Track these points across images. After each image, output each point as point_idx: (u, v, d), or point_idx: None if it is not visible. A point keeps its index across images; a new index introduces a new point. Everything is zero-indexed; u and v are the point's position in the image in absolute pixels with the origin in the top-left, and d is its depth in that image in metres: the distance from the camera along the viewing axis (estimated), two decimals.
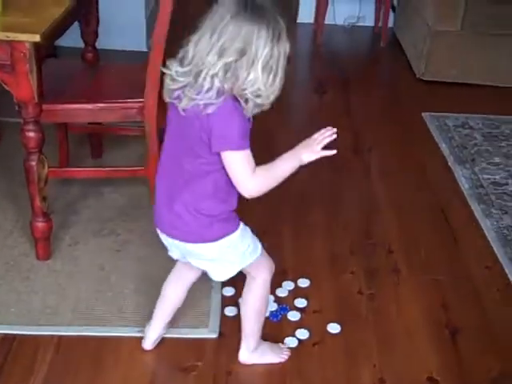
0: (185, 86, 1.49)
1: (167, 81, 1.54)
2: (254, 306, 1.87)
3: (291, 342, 1.99)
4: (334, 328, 2.05)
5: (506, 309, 2.17)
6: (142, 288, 2.16)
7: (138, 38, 3.85)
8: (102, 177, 2.56)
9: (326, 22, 4.52)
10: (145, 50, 3.72)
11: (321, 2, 4.49)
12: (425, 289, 2.24)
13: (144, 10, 3.99)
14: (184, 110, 1.50)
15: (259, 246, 1.81)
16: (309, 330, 2.03)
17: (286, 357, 1.94)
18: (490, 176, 2.91)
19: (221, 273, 1.78)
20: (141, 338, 1.94)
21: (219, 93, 1.46)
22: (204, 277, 2.19)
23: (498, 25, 3.71)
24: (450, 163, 3.02)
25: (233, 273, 1.77)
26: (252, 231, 1.80)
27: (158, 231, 1.74)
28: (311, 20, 4.75)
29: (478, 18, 3.70)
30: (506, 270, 2.32)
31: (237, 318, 2.06)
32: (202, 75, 1.45)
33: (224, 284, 2.19)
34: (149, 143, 2.30)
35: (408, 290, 2.24)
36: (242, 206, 2.56)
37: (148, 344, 1.94)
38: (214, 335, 2.00)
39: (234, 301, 2.12)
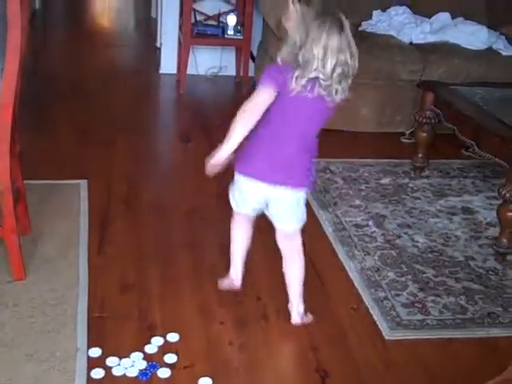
0: (317, 78, 1.96)
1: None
2: (301, 268, 2.27)
3: None
4: (205, 382, 2.00)
5: (371, 350, 2.22)
6: None
7: None
8: None
9: (189, 72, 4.58)
10: None
11: (182, 53, 4.53)
12: (294, 334, 2.26)
13: (1, 56, 3.85)
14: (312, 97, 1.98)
15: None
16: None
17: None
18: (351, 218, 3.01)
19: (290, 223, 2.23)
20: None
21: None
22: (69, 336, 2.10)
23: None
24: (313, 207, 3.10)
25: (297, 227, 2.24)
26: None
27: (258, 183, 2.11)
28: (174, 71, 4.78)
29: None
30: (371, 311, 2.38)
31: (104, 381, 1.97)
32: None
33: (90, 345, 2.09)
34: (2, 201, 2.19)
35: (277, 336, 2.25)
36: (103, 261, 2.51)
37: (238, 282, 2.40)
38: None
39: (101, 362, 2.03)
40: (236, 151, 2.08)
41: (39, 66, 4.57)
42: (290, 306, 2.30)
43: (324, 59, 1.94)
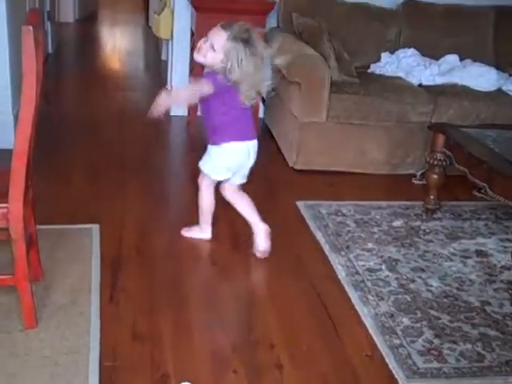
0: None
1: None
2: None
3: None
4: None
5: None
6: None
7: (5, 136, 3.72)
8: None
9: (199, 113, 4.58)
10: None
11: None
12: (308, 383, 2.22)
13: (11, 105, 3.89)
14: None
15: None
16: None
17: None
18: (364, 262, 2.99)
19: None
20: None
21: None
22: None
23: (360, 116, 3.93)
24: (326, 251, 3.08)
25: None
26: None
27: (248, 142, 2.89)
28: (185, 113, 4.81)
29: (340, 111, 3.90)
30: (386, 359, 2.35)
31: None
32: None
33: None
34: (15, 249, 2.19)
35: None
36: (115, 309, 2.48)
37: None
38: None
39: None
40: (221, 136, 2.85)
41: (52, 110, 4.62)
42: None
43: None
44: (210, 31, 2.70)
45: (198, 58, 2.74)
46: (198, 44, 2.72)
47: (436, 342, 2.45)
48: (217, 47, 2.61)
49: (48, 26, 6.27)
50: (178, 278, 2.78)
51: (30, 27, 1.97)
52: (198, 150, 4.41)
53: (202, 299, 2.66)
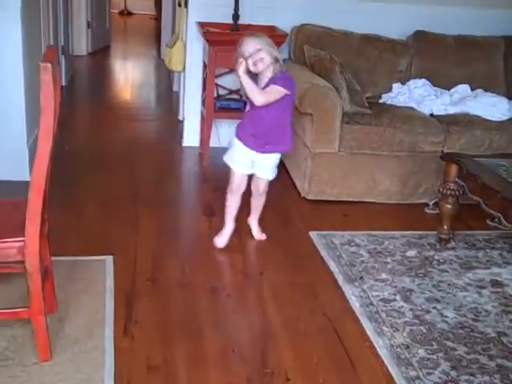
0: None
1: None
2: None
3: None
4: None
5: None
6: None
7: (19, 167, 3.75)
8: None
9: (212, 145, 4.62)
10: (28, 179, 3.61)
11: (206, 127, 4.60)
12: None
13: (26, 137, 3.92)
14: None
15: None
16: None
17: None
18: (378, 293, 2.97)
19: None
20: None
21: None
22: None
23: (372, 146, 3.93)
24: (339, 282, 3.07)
25: None
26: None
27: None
28: (197, 144, 4.84)
29: (352, 141, 3.91)
30: None
31: None
32: None
33: None
34: (31, 283, 2.19)
35: None
36: (129, 341, 2.47)
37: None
38: None
39: None
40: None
41: (65, 141, 4.65)
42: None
43: None
44: (245, 49, 3.00)
45: (260, 67, 3.01)
46: (250, 63, 2.99)
47: (453, 373, 2.43)
48: (262, 46, 2.99)
49: (62, 59, 6.36)
50: (192, 309, 2.77)
51: (49, 64, 1.99)
52: (209, 181, 4.46)
53: (216, 331, 2.64)
